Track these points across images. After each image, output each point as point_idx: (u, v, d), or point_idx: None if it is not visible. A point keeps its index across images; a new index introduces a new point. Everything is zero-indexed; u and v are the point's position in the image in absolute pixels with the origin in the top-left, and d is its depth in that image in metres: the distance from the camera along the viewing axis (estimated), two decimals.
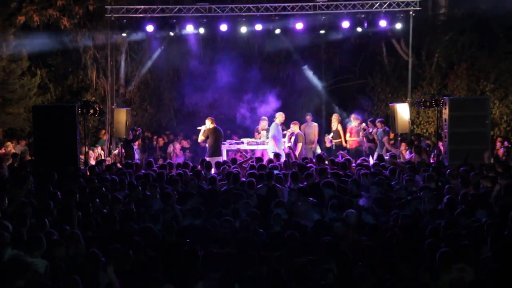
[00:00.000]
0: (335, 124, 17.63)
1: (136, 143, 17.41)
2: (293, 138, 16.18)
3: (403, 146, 16.11)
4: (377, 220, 8.47)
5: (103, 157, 16.55)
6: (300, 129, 17.09)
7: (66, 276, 6.11)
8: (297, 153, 15.39)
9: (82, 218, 8.36)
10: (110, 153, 17.54)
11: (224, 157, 16.38)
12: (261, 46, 22.36)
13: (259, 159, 13.26)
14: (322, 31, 18.36)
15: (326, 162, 13.09)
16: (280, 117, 16.66)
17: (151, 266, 6.42)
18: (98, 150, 17.62)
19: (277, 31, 18.14)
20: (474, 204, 8.95)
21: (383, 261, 6.68)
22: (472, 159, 12.82)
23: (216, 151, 15.66)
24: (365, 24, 17.87)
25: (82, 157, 14.55)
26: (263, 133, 17.33)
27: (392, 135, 16.58)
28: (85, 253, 6.80)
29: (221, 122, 19.30)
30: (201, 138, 16.14)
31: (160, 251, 7.04)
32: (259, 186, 10.41)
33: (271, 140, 16.20)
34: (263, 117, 17.98)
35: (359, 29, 18.20)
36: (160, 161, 16.80)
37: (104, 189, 10.33)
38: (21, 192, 9.41)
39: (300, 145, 16.02)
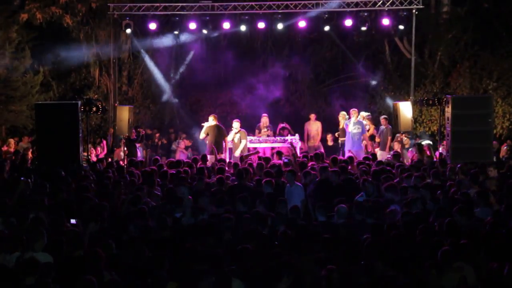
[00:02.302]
0: (342, 122, 17.55)
1: None
2: (237, 136, 16.10)
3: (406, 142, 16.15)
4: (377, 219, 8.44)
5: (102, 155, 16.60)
6: (304, 127, 17.32)
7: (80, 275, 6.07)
8: (238, 151, 15.52)
9: (85, 216, 8.37)
10: (112, 151, 17.53)
11: (226, 155, 16.40)
12: (264, 44, 22.36)
13: (266, 158, 13.26)
14: (325, 29, 18.31)
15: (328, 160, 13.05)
16: (354, 113, 16.59)
17: (156, 263, 6.40)
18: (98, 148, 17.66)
19: (280, 27, 18.06)
20: (476, 202, 8.93)
21: (384, 258, 6.68)
22: (475, 158, 12.82)
23: (216, 149, 15.65)
24: (368, 22, 17.83)
25: (85, 154, 14.55)
26: (264, 130, 17.31)
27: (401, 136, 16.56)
28: (88, 251, 6.78)
29: (223, 120, 19.34)
30: (202, 135, 16.16)
31: (163, 248, 7.05)
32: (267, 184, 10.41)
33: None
34: (264, 114, 17.97)
35: (362, 28, 18.16)
36: (163, 159, 16.82)
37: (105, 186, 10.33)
38: (18, 190, 9.41)
39: (244, 141, 15.98)
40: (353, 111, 16.70)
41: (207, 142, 16.15)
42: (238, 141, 15.92)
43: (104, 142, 18.02)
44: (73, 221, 8.23)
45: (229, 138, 16.04)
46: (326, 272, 6.22)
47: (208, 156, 14.32)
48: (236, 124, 16.13)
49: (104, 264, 6.44)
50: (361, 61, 22.79)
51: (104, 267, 6.40)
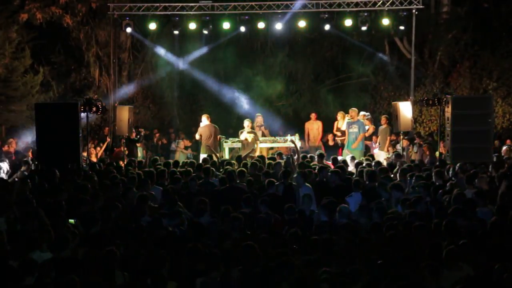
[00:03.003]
0: (341, 122, 17.56)
1: None
2: (251, 135, 16.05)
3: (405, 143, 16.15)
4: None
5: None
6: (305, 126, 17.51)
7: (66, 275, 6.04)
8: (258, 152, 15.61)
9: (85, 215, 8.38)
10: (112, 151, 17.54)
11: (226, 155, 16.44)
12: (263, 44, 22.37)
13: (262, 157, 13.28)
14: (325, 29, 18.30)
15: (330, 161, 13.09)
16: (352, 113, 16.64)
17: (158, 263, 6.40)
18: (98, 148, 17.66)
19: (279, 28, 18.03)
20: (476, 202, 8.94)
21: (383, 259, 6.68)
22: (475, 158, 12.83)
23: (205, 148, 15.74)
24: (368, 22, 17.84)
25: (84, 154, 14.55)
26: (259, 126, 17.33)
27: (393, 137, 16.56)
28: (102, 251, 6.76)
29: (223, 119, 19.39)
30: (197, 136, 16.23)
31: (164, 247, 7.05)
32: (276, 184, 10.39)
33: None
34: (258, 113, 17.97)
35: (362, 27, 18.17)
36: (162, 159, 16.83)
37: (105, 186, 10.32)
38: (15, 190, 9.42)
39: (258, 142, 16.07)
40: (351, 110, 16.77)
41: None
42: (251, 140, 15.90)
43: (106, 142, 17.98)
44: (71, 221, 8.23)
45: (242, 137, 16.03)
46: (326, 273, 6.23)
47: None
48: (248, 123, 16.14)
49: (117, 262, 6.47)
50: (361, 61, 22.79)
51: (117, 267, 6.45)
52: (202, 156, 14.96)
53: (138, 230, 7.67)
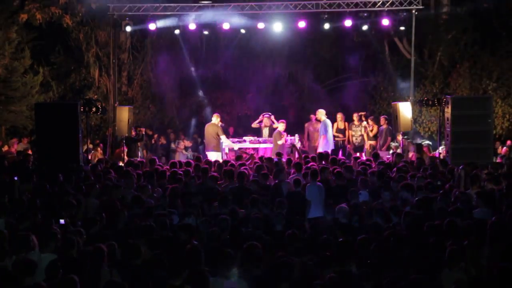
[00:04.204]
0: (340, 123, 17.60)
1: None
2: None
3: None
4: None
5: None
6: (305, 127, 17.60)
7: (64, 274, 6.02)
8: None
9: (85, 215, 8.38)
10: (112, 151, 17.54)
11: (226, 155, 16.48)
12: (263, 44, 22.36)
13: (263, 158, 13.32)
14: (324, 29, 18.31)
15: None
16: (320, 114, 17.02)
17: (158, 263, 6.40)
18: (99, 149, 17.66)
19: (280, 29, 18.04)
20: (476, 202, 8.95)
21: (384, 259, 6.68)
22: (475, 158, 12.83)
23: (206, 147, 16.18)
24: (368, 23, 17.84)
25: (85, 155, 14.55)
26: (265, 130, 17.32)
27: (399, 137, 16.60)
28: (89, 248, 6.77)
29: (223, 119, 19.37)
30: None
31: (163, 248, 7.05)
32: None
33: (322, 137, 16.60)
34: (265, 113, 17.97)
35: (361, 28, 18.18)
36: (163, 160, 16.85)
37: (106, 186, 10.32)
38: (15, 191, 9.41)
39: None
40: (317, 112, 17.37)
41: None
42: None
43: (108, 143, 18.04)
44: (62, 221, 8.21)
45: (280, 142, 15.94)
46: (327, 273, 6.23)
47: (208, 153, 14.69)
48: (283, 126, 16.16)
49: (105, 259, 6.47)
50: (361, 61, 22.78)
51: (108, 265, 6.43)
52: (209, 154, 15.20)
53: (147, 230, 7.68)
